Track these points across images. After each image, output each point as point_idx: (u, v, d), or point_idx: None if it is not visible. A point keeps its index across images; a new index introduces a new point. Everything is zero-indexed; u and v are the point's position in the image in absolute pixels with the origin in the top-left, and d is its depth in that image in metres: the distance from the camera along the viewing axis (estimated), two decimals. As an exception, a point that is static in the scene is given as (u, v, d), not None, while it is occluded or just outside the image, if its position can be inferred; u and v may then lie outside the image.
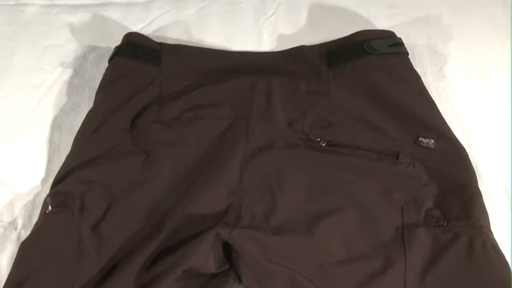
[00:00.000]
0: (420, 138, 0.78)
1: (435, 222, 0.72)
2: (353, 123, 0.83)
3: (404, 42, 0.90)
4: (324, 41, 0.94)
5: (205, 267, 0.75)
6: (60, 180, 0.82)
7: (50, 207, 0.78)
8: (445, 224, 0.72)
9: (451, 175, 0.76)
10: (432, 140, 0.78)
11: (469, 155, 0.78)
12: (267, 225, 0.75)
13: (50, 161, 0.95)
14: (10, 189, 0.93)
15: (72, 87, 1.04)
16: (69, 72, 1.06)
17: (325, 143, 0.81)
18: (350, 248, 0.73)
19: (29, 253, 0.76)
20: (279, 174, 0.79)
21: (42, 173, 0.94)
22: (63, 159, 0.86)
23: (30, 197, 0.91)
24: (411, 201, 0.74)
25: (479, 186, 0.76)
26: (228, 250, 0.77)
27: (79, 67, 1.07)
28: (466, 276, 0.68)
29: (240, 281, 0.77)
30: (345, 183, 0.78)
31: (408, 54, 0.88)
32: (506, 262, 0.69)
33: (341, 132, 0.82)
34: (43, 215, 0.79)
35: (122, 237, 0.76)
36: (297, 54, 0.92)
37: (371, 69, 0.86)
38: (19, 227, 0.88)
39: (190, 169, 0.81)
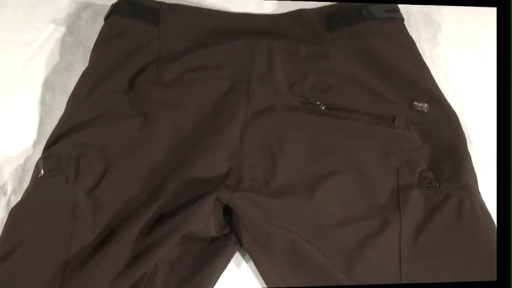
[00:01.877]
0: (415, 103, 0.80)
1: (428, 183, 0.75)
2: (351, 87, 0.84)
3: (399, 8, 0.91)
4: (323, 5, 0.94)
5: (206, 231, 0.75)
6: (54, 142, 0.79)
7: (42, 171, 0.75)
8: (437, 185, 0.74)
9: (443, 138, 0.78)
10: (426, 104, 0.80)
11: (460, 119, 0.80)
12: (267, 189, 0.76)
13: (42, 122, 0.91)
14: (-1, 152, 0.87)
15: (65, 45, 1.00)
16: (62, 30, 1.02)
17: (324, 106, 0.82)
18: (348, 210, 0.75)
19: (19, 219, 0.73)
20: (279, 137, 0.80)
21: (33, 136, 0.89)
22: (56, 121, 0.83)
23: (21, 161, 0.87)
24: (406, 163, 0.77)
25: (469, 149, 0.78)
26: (228, 213, 0.77)
27: (72, 24, 1.03)
28: (455, 235, 0.71)
29: (241, 244, 0.76)
30: (344, 146, 0.79)
31: (403, 20, 0.89)
32: (492, 220, 0.72)
33: (340, 95, 0.83)
34: (35, 179, 0.76)
35: (119, 201, 0.75)
36: (297, 17, 0.92)
37: (369, 34, 0.87)
38: (9, 192, 0.84)
39: (190, 132, 0.81)
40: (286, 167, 0.78)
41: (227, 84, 0.84)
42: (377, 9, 0.87)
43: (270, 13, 0.99)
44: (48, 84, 0.95)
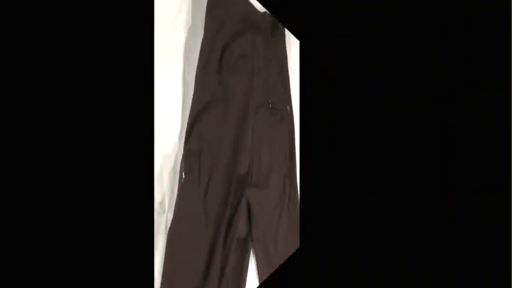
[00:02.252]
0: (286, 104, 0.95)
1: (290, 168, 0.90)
2: (278, 90, 0.93)
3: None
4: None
5: (242, 233, 0.82)
6: (189, 134, 0.82)
7: (183, 174, 0.79)
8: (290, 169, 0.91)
9: (290, 130, 0.93)
10: (289, 106, 0.94)
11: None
12: (257, 183, 0.85)
13: (184, 105, 0.85)
14: (161, 147, 0.81)
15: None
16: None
17: (271, 105, 0.91)
18: (278, 195, 0.86)
19: (175, 246, 0.77)
20: (261, 134, 0.88)
21: (178, 123, 0.83)
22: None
23: (172, 160, 0.81)
24: (289, 148, 0.91)
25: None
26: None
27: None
28: (296, 208, 0.88)
29: (252, 239, 0.84)
30: (279, 141, 0.90)
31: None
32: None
33: (276, 96, 0.92)
34: (179, 185, 0.79)
35: (215, 210, 0.80)
36: (266, 19, 0.96)
37: (280, 46, 0.97)
38: (166, 207, 0.79)
39: (237, 121, 0.86)
40: (261, 162, 0.87)
41: (247, 76, 0.90)
42: (281, 26, 0.97)
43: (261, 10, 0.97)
44: (185, 53, 0.88)
